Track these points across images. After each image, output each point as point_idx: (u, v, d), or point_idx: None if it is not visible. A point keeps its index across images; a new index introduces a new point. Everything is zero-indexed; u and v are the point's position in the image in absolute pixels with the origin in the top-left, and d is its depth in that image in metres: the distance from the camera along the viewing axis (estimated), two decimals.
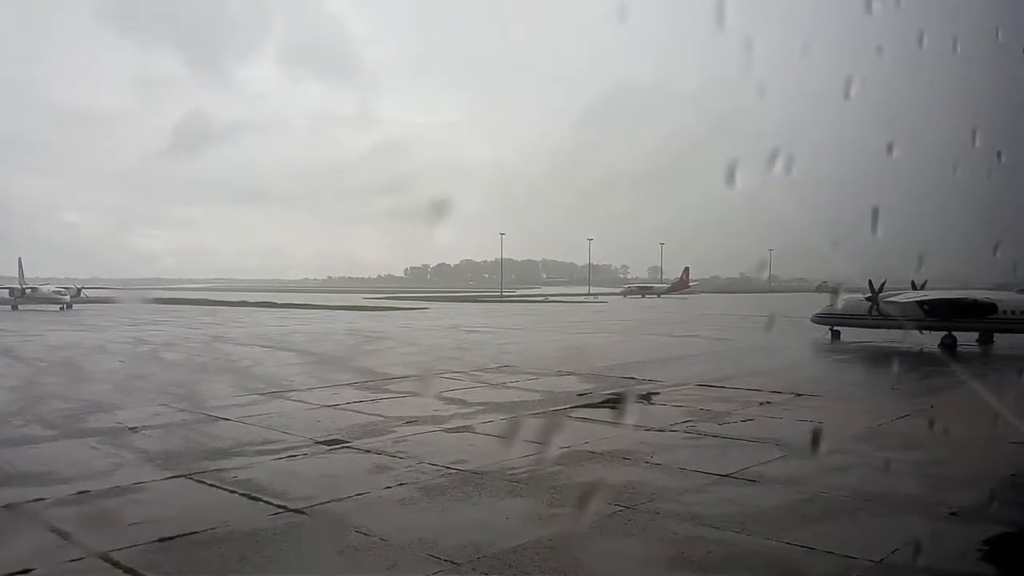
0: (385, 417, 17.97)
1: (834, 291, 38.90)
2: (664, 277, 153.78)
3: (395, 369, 27.75)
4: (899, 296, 34.92)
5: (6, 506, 11.03)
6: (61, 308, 73.73)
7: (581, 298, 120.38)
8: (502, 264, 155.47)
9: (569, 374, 26.23)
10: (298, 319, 62.62)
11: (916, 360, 31.77)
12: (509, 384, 24.10)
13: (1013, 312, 33.24)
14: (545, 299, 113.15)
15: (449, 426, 17.05)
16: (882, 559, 8.88)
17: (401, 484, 12.08)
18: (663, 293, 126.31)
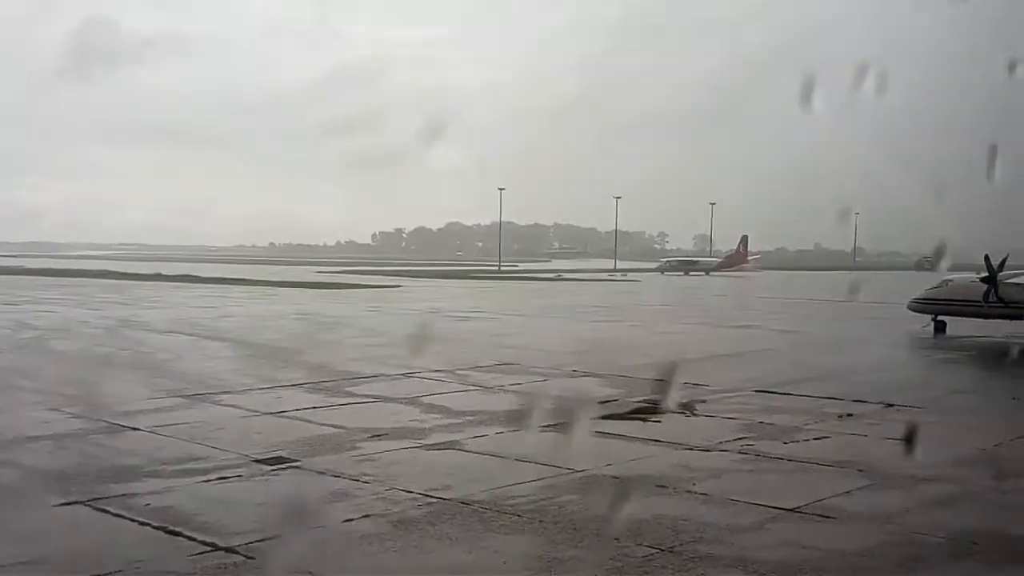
0: (345, 428, 18.03)
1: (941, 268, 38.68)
2: (714, 249, 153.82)
3: (358, 366, 27.81)
4: None
5: None
6: None
7: (605, 275, 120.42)
8: (500, 229, 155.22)
9: (588, 375, 26.28)
10: (232, 299, 62.82)
11: None
12: (508, 387, 24.17)
13: None
14: (558, 276, 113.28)
15: (429, 441, 17.10)
16: None
17: (365, 516, 12.14)
18: (712, 270, 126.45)
